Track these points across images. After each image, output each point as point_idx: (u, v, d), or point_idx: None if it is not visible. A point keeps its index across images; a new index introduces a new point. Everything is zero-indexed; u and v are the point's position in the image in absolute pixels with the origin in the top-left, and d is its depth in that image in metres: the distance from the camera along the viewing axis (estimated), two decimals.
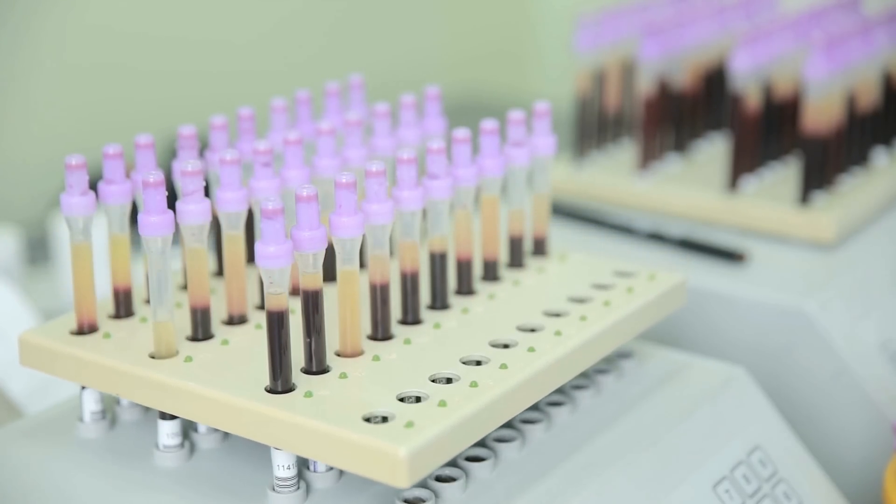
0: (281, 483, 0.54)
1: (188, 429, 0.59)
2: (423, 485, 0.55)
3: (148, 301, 0.61)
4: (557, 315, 0.62)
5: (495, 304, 0.63)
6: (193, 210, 0.56)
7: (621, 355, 0.67)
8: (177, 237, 0.57)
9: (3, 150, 1.35)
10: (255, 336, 0.59)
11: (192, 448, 0.59)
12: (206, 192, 0.57)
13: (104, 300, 0.62)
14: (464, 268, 0.64)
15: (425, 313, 0.62)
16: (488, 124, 0.64)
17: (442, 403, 0.52)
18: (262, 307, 0.62)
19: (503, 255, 0.68)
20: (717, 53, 0.96)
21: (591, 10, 0.97)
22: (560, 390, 0.63)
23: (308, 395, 0.53)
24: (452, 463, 0.56)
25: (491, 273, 0.66)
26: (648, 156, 0.93)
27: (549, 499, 0.56)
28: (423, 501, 0.54)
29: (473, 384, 0.54)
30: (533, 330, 0.60)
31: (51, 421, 0.63)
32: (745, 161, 0.89)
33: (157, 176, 0.55)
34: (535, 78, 1.92)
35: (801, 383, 0.78)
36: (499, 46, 1.94)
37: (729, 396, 0.67)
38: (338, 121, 0.71)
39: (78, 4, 1.39)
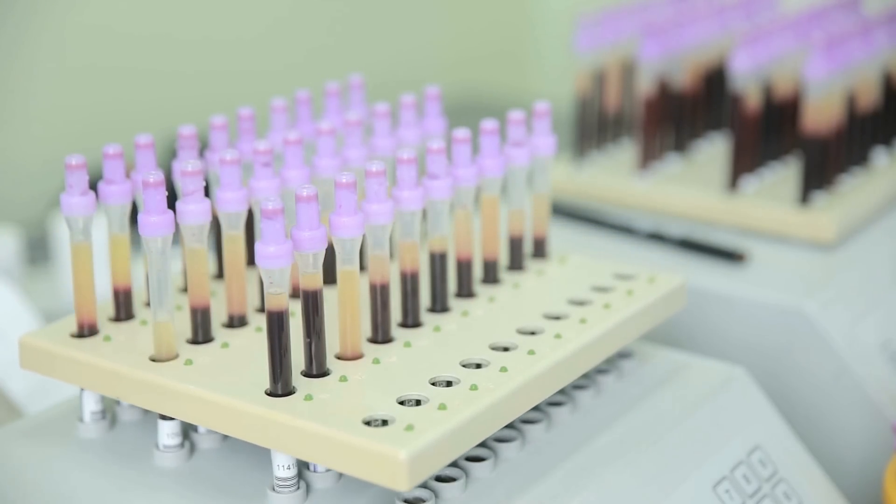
0: (281, 483, 0.54)
1: (188, 429, 0.59)
2: (423, 485, 0.55)
3: (148, 304, 0.61)
4: (557, 318, 0.62)
5: (495, 307, 0.63)
6: (193, 210, 0.56)
7: (621, 355, 0.67)
8: (177, 237, 0.57)
9: (3, 150, 1.35)
10: (255, 339, 0.59)
11: (192, 448, 0.59)
12: (206, 192, 0.57)
13: (105, 302, 0.62)
14: (464, 268, 0.64)
15: (425, 316, 0.62)
16: (488, 124, 0.64)
17: (442, 407, 0.52)
18: (262, 310, 0.62)
19: (503, 256, 0.68)
20: (717, 53, 0.96)
21: (591, 10, 0.97)
22: (560, 390, 0.63)
23: (308, 398, 0.53)
24: (452, 463, 0.56)
25: (491, 275, 0.66)
26: (648, 156, 0.93)
27: (549, 499, 0.56)
28: (423, 501, 0.54)
29: (473, 387, 0.54)
30: (533, 333, 0.60)
31: (51, 421, 0.63)
32: (745, 161, 0.89)
33: (157, 176, 0.55)
34: (535, 78, 1.92)
35: (801, 383, 0.78)
36: (499, 46, 1.94)
37: (729, 396, 0.67)
38: (338, 121, 0.71)
39: (77, 5, 1.39)
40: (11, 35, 1.33)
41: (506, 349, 0.58)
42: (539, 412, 0.61)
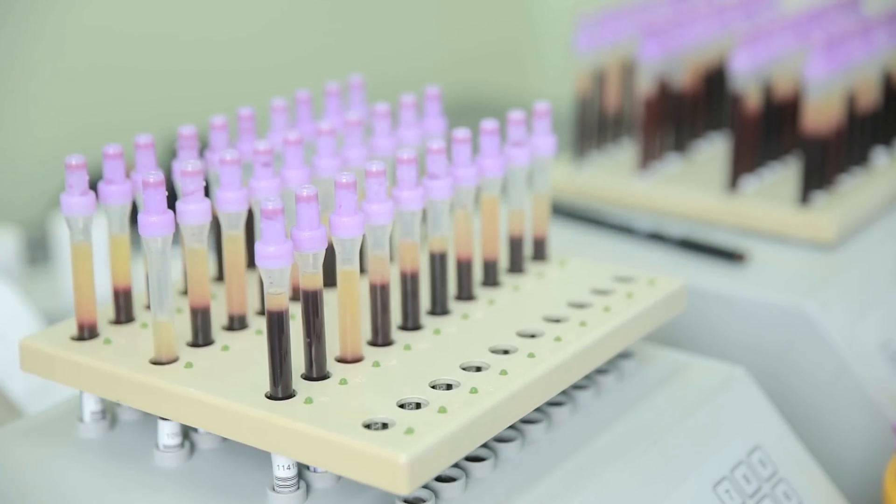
0: (281, 483, 0.54)
1: (188, 429, 0.59)
2: (423, 484, 0.55)
3: (148, 306, 0.61)
4: (557, 321, 0.62)
5: (495, 310, 0.63)
6: (193, 210, 0.56)
7: (621, 355, 0.67)
8: (177, 237, 0.57)
9: (3, 150, 1.35)
10: (255, 342, 0.59)
11: (192, 448, 0.59)
12: (206, 192, 0.57)
13: (105, 303, 0.62)
14: (464, 269, 0.64)
15: (425, 319, 0.62)
16: (488, 124, 0.64)
17: (442, 410, 0.52)
18: (262, 312, 0.62)
19: (503, 257, 0.68)
20: (717, 53, 0.96)
21: (591, 10, 0.97)
22: None
23: (308, 401, 0.53)
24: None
25: (491, 278, 0.66)
26: (648, 156, 0.93)
27: (549, 499, 0.56)
28: (424, 501, 0.54)
29: (473, 390, 0.54)
30: (533, 336, 0.60)
31: (51, 421, 0.63)
32: (745, 161, 0.89)
33: (157, 176, 0.55)
34: (535, 78, 1.92)
35: (801, 383, 0.78)
36: (499, 46, 1.94)
37: (729, 396, 0.67)
38: (338, 121, 0.71)
39: (77, 5, 1.39)
40: (11, 35, 1.33)
41: (506, 352, 0.58)
42: (539, 412, 0.61)
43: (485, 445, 0.58)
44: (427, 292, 0.63)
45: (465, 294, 0.64)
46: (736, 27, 0.96)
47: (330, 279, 0.60)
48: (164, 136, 1.20)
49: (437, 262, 0.62)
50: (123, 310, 0.62)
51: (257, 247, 0.53)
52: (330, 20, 1.68)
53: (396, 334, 0.60)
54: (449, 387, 0.55)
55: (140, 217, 0.55)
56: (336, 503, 0.54)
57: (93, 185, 0.59)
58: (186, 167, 0.55)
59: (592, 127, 0.97)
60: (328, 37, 1.67)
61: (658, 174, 0.93)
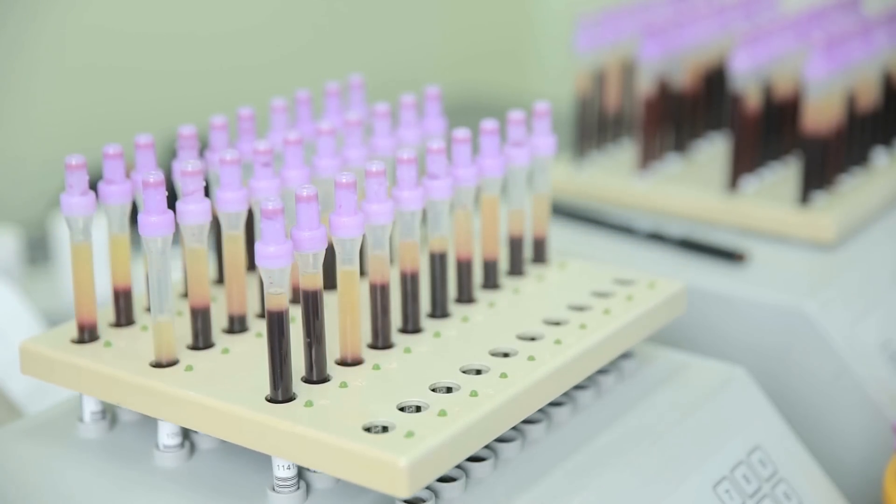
0: (281, 483, 0.54)
1: (188, 429, 0.59)
2: None
3: (149, 309, 0.61)
4: (557, 323, 0.62)
5: (495, 313, 0.63)
6: (193, 210, 0.56)
7: (622, 355, 0.67)
8: (177, 237, 0.57)
9: (3, 150, 1.35)
10: (255, 345, 0.59)
11: (192, 448, 0.59)
12: (206, 192, 0.57)
13: (105, 304, 0.62)
14: (464, 269, 0.64)
15: (425, 322, 0.62)
16: (488, 124, 0.64)
17: (442, 413, 0.52)
18: (262, 315, 0.62)
19: (503, 258, 0.68)
20: (717, 53, 0.96)
21: (591, 10, 0.97)
22: None
23: (308, 404, 0.53)
24: None
25: (491, 280, 0.66)
26: (648, 156, 0.93)
27: (549, 499, 0.56)
28: (424, 501, 0.54)
29: (473, 393, 0.54)
30: (533, 338, 0.60)
31: (51, 421, 0.63)
32: (745, 161, 0.89)
33: (157, 176, 0.55)
34: (535, 78, 1.92)
35: (801, 383, 0.78)
36: (499, 46, 1.94)
37: (729, 396, 0.67)
38: (338, 121, 0.71)
39: (77, 5, 1.39)
40: (11, 35, 1.33)
41: (506, 355, 0.58)
42: (539, 412, 0.61)
43: (485, 445, 0.58)
44: (427, 294, 0.63)
45: (465, 297, 0.64)
46: (736, 27, 0.96)
47: (330, 282, 0.60)
48: (164, 136, 1.20)
49: (437, 262, 0.62)
50: (124, 312, 0.62)
51: (257, 247, 0.53)
52: (330, 20, 1.68)
53: (396, 337, 0.60)
54: (449, 390, 0.55)
55: (140, 217, 0.55)
56: (336, 503, 0.54)
57: (93, 185, 0.59)
58: (186, 167, 0.55)
59: (592, 127, 0.97)
60: (328, 36, 1.67)
61: (658, 174, 0.93)
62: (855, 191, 0.89)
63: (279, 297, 0.53)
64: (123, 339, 0.60)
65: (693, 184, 0.91)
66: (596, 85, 0.96)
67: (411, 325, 0.61)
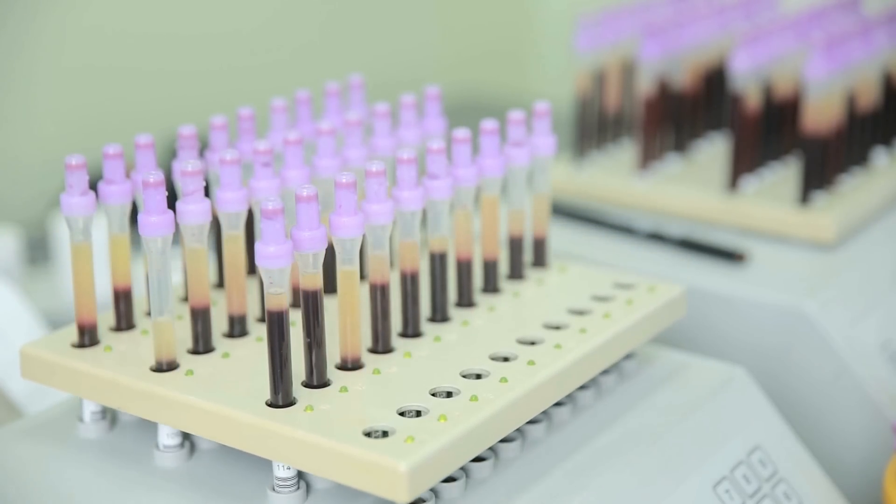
0: (281, 483, 0.54)
1: None
2: None
3: (149, 313, 0.61)
4: (557, 328, 0.62)
5: (495, 317, 0.63)
6: (193, 210, 0.56)
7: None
8: (177, 237, 0.57)
9: (3, 150, 1.35)
10: (255, 349, 0.59)
11: (192, 448, 0.59)
12: (206, 192, 0.57)
13: (106, 306, 0.62)
14: (464, 270, 0.64)
15: (425, 326, 0.62)
16: (488, 124, 0.64)
17: (442, 417, 0.52)
18: (262, 319, 0.62)
19: (503, 260, 0.68)
20: (717, 53, 0.96)
21: (591, 10, 0.97)
22: None
23: (309, 409, 0.53)
24: None
25: (491, 284, 0.66)
26: (648, 156, 0.93)
27: (549, 499, 0.56)
28: (424, 501, 0.54)
29: (473, 398, 0.54)
30: (533, 343, 0.60)
31: (51, 421, 0.63)
32: (745, 161, 0.89)
33: (157, 176, 0.55)
34: (535, 78, 1.92)
35: (801, 383, 0.78)
36: (499, 46, 1.94)
37: (729, 396, 0.67)
38: (338, 121, 0.71)
39: (77, 5, 1.39)
40: (11, 35, 1.33)
41: (506, 359, 0.58)
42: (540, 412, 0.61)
43: None
44: (427, 298, 0.63)
45: (466, 301, 0.64)
46: (736, 27, 0.96)
47: (329, 285, 0.60)
48: (164, 136, 1.20)
49: (437, 262, 0.62)
50: (124, 316, 0.62)
51: (257, 247, 0.52)
52: (330, 20, 1.68)
53: (397, 341, 0.60)
54: (449, 394, 0.55)
55: (140, 217, 0.55)
56: (336, 503, 0.54)
57: (93, 185, 0.59)
58: (186, 167, 0.55)
59: (592, 127, 0.97)
60: (328, 36, 1.67)
61: (658, 174, 0.93)
62: (855, 191, 0.89)
63: (279, 298, 0.53)
64: (124, 344, 0.60)
65: (693, 184, 0.91)
66: (596, 85, 0.96)
67: (411, 329, 0.61)
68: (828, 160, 0.87)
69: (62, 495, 0.58)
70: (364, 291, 0.61)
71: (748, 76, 0.86)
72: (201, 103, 1.38)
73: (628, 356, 0.67)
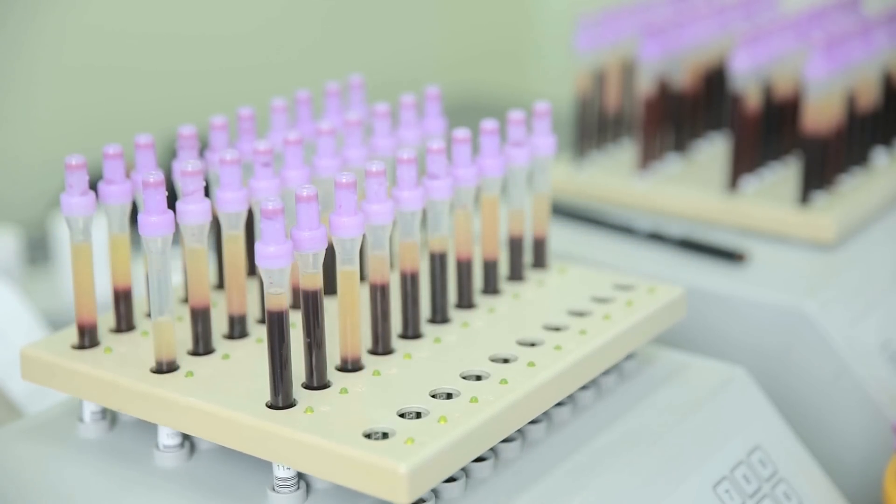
0: (281, 483, 0.54)
1: None
2: None
3: (149, 315, 0.61)
4: (557, 329, 0.62)
5: (495, 318, 0.63)
6: (193, 210, 0.56)
7: None
8: (177, 237, 0.57)
9: (3, 150, 1.35)
10: (255, 350, 0.59)
11: (192, 448, 0.59)
12: (206, 192, 0.57)
13: (106, 307, 0.62)
14: (464, 270, 0.64)
15: (425, 327, 0.62)
16: (488, 124, 0.64)
17: (442, 419, 0.52)
18: (262, 321, 0.62)
19: (503, 261, 0.68)
20: (717, 53, 0.96)
21: (591, 10, 0.97)
22: None
23: (309, 410, 0.53)
24: None
25: (491, 285, 0.66)
26: (648, 156, 0.93)
27: (549, 499, 0.56)
28: (424, 501, 0.54)
29: (473, 399, 0.54)
30: (533, 344, 0.60)
31: (51, 421, 0.63)
32: (745, 161, 0.89)
33: (157, 176, 0.55)
34: (535, 78, 1.92)
35: (801, 383, 0.78)
36: (499, 46, 1.94)
37: (729, 396, 0.67)
38: (338, 121, 0.71)
39: (77, 5, 1.39)
40: (11, 35, 1.33)
41: (506, 361, 0.58)
42: None
43: None
44: (427, 300, 0.63)
45: (465, 302, 0.64)
46: (736, 27, 0.96)
47: (329, 286, 0.60)
48: (164, 136, 1.20)
49: (437, 262, 0.62)
50: (124, 318, 0.62)
51: (257, 247, 0.52)
52: (330, 20, 1.68)
53: (397, 343, 0.60)
54: (449, 396, 0.55)
55: (140, 217, 0.55)
56: (336, 503, 0.54)
57: (93, 185, 0.59)
58: (186, 167, 0.55)
59: (592, 127, 0.97)
60: (328, 36, 1.67)
61: (658, 174, 0.93)
62: (855, 191, 0.89)
63: (279, 298, 0.53)
64: (124, 345, 0.60)
65: (693, 184, 0.91)
66: (596, 85, 0.96)
67: (411, 331, 0.61)
68: (828, 160, 0.87)
69: (62, 495, 0.58)
70: (364, 292, 0.61)
71: (748, 76, 0.86)
72: (201, 103, 1.38)
73: (629, 356, 0.67)
